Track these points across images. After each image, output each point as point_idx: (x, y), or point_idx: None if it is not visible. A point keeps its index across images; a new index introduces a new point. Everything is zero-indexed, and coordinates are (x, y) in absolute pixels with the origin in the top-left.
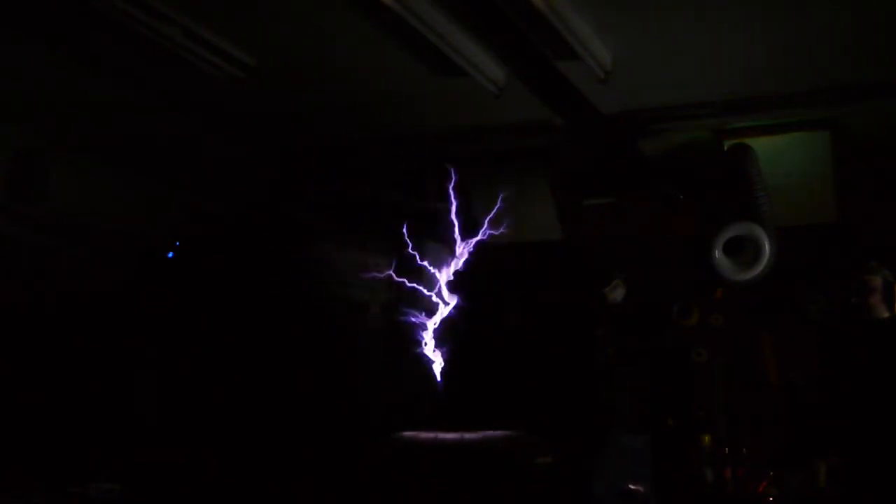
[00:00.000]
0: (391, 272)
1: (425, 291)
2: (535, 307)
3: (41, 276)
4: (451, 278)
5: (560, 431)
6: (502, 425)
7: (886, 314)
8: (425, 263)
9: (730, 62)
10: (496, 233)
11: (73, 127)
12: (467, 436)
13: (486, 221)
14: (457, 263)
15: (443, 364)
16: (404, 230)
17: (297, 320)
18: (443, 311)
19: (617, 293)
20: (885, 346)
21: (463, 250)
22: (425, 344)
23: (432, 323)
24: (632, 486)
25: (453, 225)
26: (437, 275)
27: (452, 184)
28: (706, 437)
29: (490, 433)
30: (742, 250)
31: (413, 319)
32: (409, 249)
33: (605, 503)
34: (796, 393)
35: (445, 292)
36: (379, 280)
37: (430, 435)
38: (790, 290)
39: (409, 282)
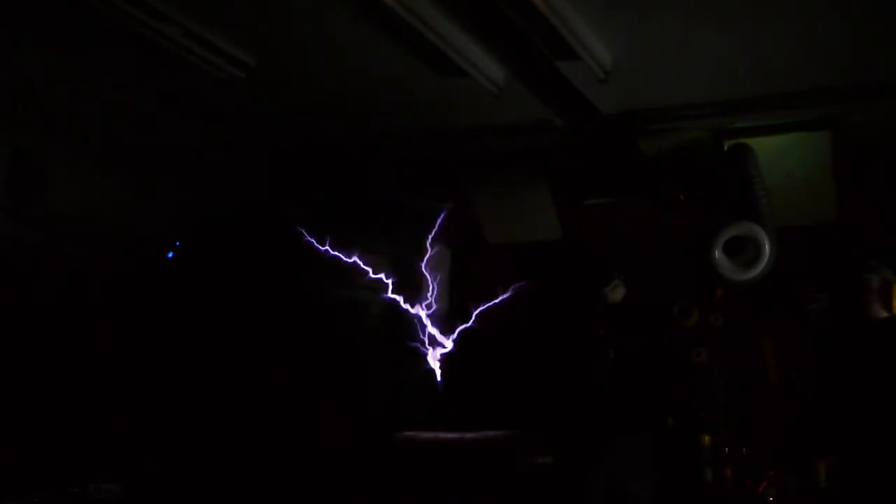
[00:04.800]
0: (391, 272)
1: (425, 291)
2: (535, 307)
3: (41, 276)
4: (451, 278)
5: (560, 431)
6: (502, 425)
7: (886, 314)
8: (425, 263)
9: (730, 62)
10: (496, 233)
11: (73, 127)
12: (467, 436)
13: (485, 221)
14: (456, 263)
15: (443, 364)
16: (404, 230)
17: (297, 320)
18: (442, 312)
19: (617, 293)
20: (884, 346)
21: (462, 250)
22: (425, 344)
23: (432, 323)
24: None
25: (453, 225)
26: (437, 274)
27: (452, 183)
28: (706, 437)
29: (490, 433)
30: (742, 250)
31: (413, 320)
32: (409, 249)
33: (605, 503)
34: (796, 393)
35: (445, 292)
36: (379, 280)
37: (430, 435)
38: (790, 290)
39: (409, 282)
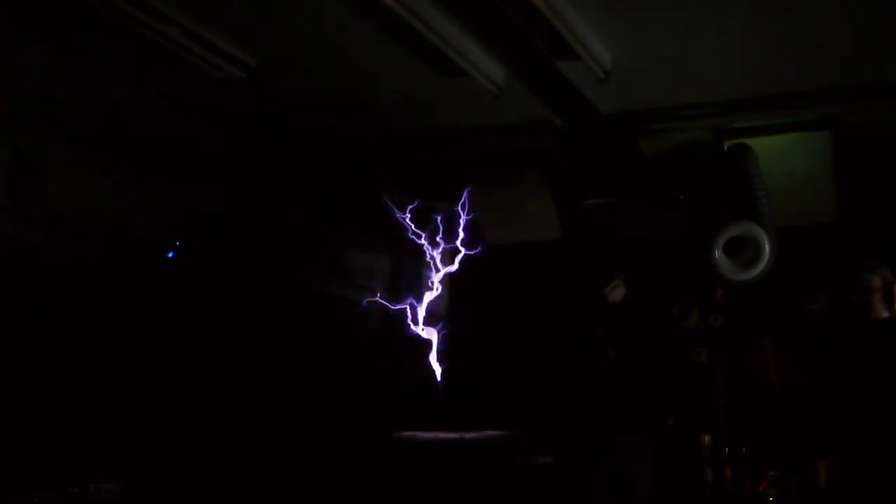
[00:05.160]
0: (391, 272)
1: (426, 291)
2: (536, 307)
3: (41, 276)
4: (452, 278)
5: (560, 431)
6: (502, 425)
7: (886, 314)
8: (425, 263)
9: (730, 62)
10: (496, 233)
11: (73, 127)
12: (467, 436)
13: (485, 221)
14: (457, 263)
15: (443, 364)
16: (404, 230)
17: (297, 320)
18: (443, 311)
19: (617, 293)
20: (884, 346)
21: (463, 250)
22: (425, 344)
23: (432, 323)
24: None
25: (453, 225)
26: (438, 275)
27: (452, 184)
28: (706, 437)
29: (490, 433)
30: (742, 250)
31: (413, 319)
32: (410, 249)
33: (605, 503)
34: (796, 393)
35: (445, 292)
36: (379, 280)
37: (430, 435)
38: (790, 290)
39: (410, 282)
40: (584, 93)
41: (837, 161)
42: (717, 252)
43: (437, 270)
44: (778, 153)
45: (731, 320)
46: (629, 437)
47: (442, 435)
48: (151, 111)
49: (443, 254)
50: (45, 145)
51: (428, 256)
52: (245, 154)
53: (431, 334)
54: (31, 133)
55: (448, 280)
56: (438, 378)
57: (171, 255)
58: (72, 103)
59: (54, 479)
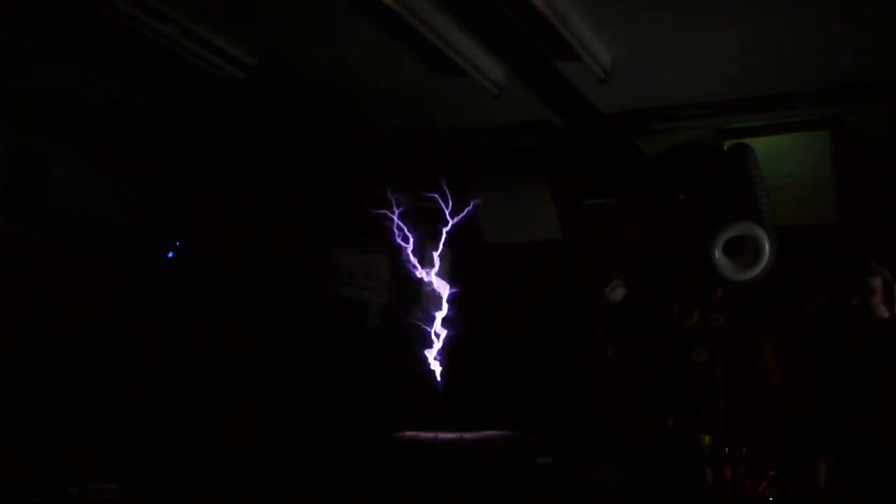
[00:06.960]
0: (391, 272)
1: (425, 291)
2: (535, 307)
3: (41, 276)
4: (451, 278)
5: (560, 431)
6: (502, 425)
7: (887, 315)
8: (425, 263)
9: (730, 62)
10: (496, 233)
11: (73, 127)
12: (467, 436)
13: (485, 221)
14: (457, 263)
15: (443, 364)
16: (404, 230)
17: (297, 320)
18: (443, 311)
19: (617, 293)
20: (885, 346)
21: (463, 250)
22: (425, 344)
23: (432, 323)
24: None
25: (453, 225)
26: (437, 274)
27: (452, 184)
28: (706, 437)
29: (490, 433)
30: (742, 250)
31: (413, 319)
32: (409, 249)
33: (605, 503)
34: (796, 393)
35: (445, 292)
36: (379, 280)
37: (430, 435)
38: (790, 290)
39: (409, 282)
40: (584, 93)
41: (837, 161)
42: (717, 252)
43: (437, 270)
44: (778, 153)
45: (731, 320)
46: (628, 438)
47: (442, 435)
48: (151, 111)
49: (442, 254)
50: (45, 145)
51: (427, 256)
52: (245, 154)
53: (431, 334)
54: (31, 133)
55: (448, 280)
56: (438, 378)
57: (171, 255)
58: (72, 103)
59: (54, 479)
